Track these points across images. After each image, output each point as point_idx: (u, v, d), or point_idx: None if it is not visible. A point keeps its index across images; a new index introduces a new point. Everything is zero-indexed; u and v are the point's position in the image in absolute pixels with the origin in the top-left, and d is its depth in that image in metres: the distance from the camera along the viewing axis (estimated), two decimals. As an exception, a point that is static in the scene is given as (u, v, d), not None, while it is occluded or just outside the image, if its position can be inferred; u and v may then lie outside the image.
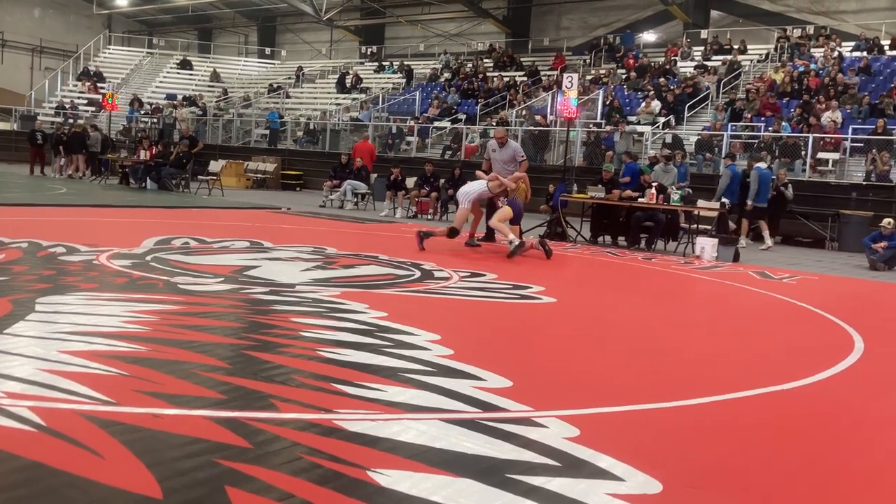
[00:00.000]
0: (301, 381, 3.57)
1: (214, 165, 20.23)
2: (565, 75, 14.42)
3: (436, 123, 24.18)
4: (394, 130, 24.39)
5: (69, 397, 3.10)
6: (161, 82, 35.61)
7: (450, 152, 22.13)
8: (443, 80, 28.83)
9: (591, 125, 20.79)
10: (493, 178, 10.14)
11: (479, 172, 10.79)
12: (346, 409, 3.19)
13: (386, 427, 3.03)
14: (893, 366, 4.98)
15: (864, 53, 22.19)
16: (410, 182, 16.30)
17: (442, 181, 15.93)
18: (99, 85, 33.02)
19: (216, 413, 3.05)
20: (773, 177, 13.99)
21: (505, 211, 9.77)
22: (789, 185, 14.45)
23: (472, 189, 10.23)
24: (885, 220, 11.59)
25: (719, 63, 23.80)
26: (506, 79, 26.82)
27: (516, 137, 20.64)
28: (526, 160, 11.15)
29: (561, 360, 4.51)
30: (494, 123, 22.42)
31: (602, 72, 25.70)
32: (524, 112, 22.74)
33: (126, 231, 9.59)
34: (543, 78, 26.42)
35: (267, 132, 27.05)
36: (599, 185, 13.04)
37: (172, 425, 2.89)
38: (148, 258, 7.10)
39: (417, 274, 7.38)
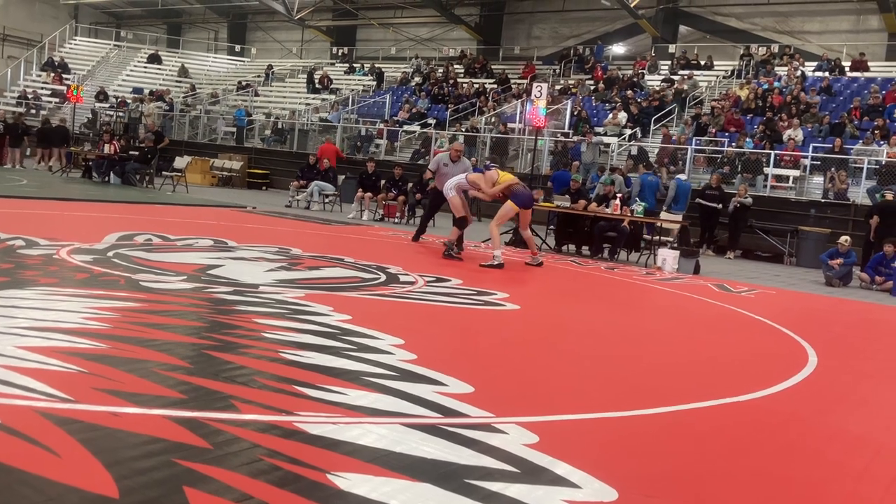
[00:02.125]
0: (262, 382, 3.56)
1: (180, 162, 20.00)
2: (535, 84, 14.59)
3: (405, 127, 24.20)
4: (363, 133, 24.35)
5: (25, 394, 3.06)
6: (128, 76, 35.09)
7: (422, 158, 22.17)
8: (413, 84, 28.86)
9: (558, 134, 20.99)
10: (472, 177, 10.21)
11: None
12: (307, 412, 3.19)
13: (346, 430, 3.03)
14: (844, 379, 5.12)
15: (826, 74, 22.74)
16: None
17: (410, 185, 15.96)
18: (64, 76, 32.43)
19: (175, 413, 3.03)
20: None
21: (506, 210, 9.66)
22: (749, 199, 14.79)
23: (453, 181, 10.23)
24: (842, 238, 11.89)
25: (685, 77, 24.21)
26: (476, 85, 26.94)
27: (484, 144, 20.78)
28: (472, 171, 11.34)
29: (523, 366, 4.56)
30: (464, 129, 22.55)
31: (571, 82, 25.96)
32: (493, 119, 22.88)
33: (88, 225, 9.45)
34: (513, 86, 26.60)
35: (234, 130, 26.82)
36: (566, 195, 13.19)
37: (131, 424, 2.87)
38: (110, 254, 7.01)
39: (383, 277, 7.38)
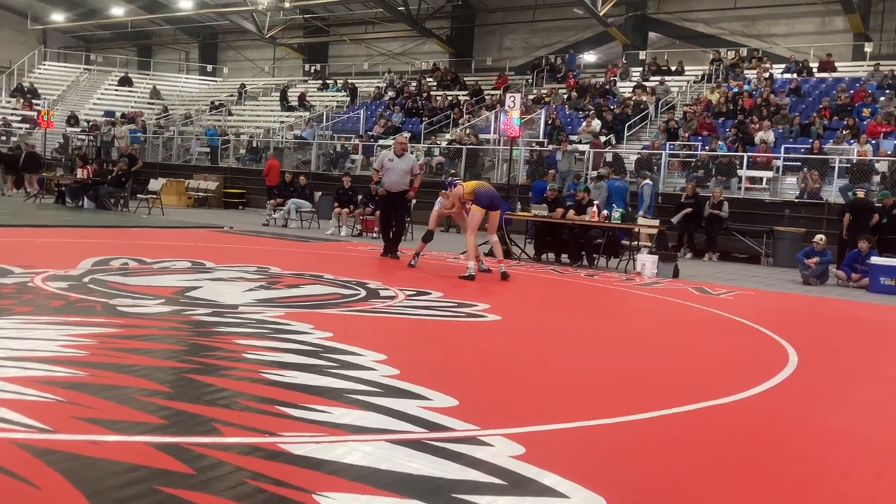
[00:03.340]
0: (244, 404, 3.52)
1: (154, 184, 19.85)
2: (508, 95, 14.68)
3: (381, 142, 24.21)
4: (338, 149, 24.33)
5: (2, 425, 3.00)
6: (99, 99, 34.87)
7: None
8: (387, 98, 28.91)
9: (533, 144, 21.10)
10: (444, 194, 10.29)
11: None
12: (291, 432, 3.16)
13: (331, 449, 3.01)
14: (825, 378, 5.16)
15: (795, 75, 23.10)
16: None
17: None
18: (34, 101, 32.14)
19: (157, 438, 2.99)
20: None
21: (473, 216, 9.53)
22: (724, 202, 14.94)
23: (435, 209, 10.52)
24: (817, 237, 12.03)
25: (657, 83, 24.45)
26: (450, 98, 27.03)
27: (460, 153, 20.85)
28: (420, 175, 11.47)
29: (506, 377, 4.55)
30: (447, 141, 22.64)
31: (544, 91, 26.14)
32: (468, 131, 22.96)
33: (62, 252, 9.34)
34: (487, 97, 26.72)
35: (208, 150, 26.69)
36: (543, 204, 13.25)
37: (112, 452, 2.82)
38: (85, 280, 6.92)
39: (363, 293, 7.36)
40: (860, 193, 13.89)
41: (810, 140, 17.52)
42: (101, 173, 18.07)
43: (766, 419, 3.98)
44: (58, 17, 38.74)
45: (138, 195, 18.29)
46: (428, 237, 10.29)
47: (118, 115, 31.41)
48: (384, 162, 10.98)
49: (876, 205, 13.48)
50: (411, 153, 11.33)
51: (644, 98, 22.37)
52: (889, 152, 16.57)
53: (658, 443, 3.47)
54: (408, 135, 22.27)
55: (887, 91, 20.30)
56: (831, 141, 17.70)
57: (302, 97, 30.86)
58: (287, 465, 2.81)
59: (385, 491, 2.65)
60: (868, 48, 24.82)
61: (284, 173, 19.07)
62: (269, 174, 19.83)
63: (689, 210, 14.88)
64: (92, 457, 2.77)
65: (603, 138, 20.54)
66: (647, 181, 14.76)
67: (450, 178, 11.72)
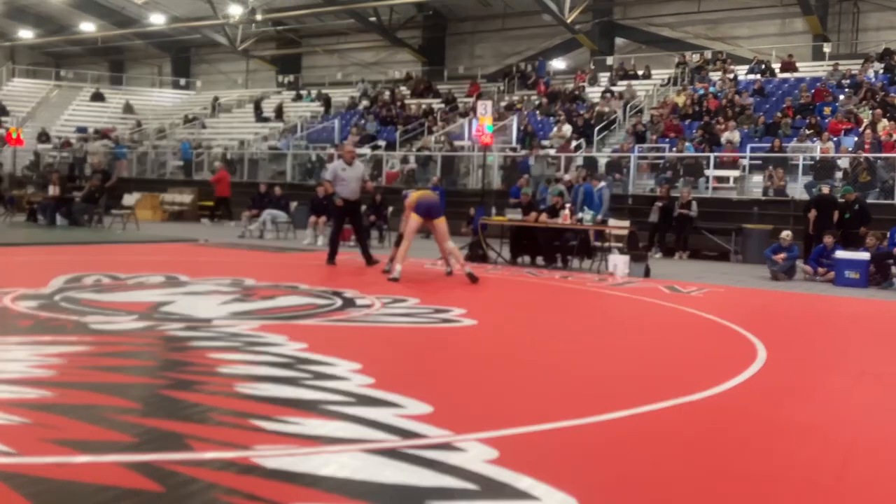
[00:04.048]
0: (218, 418, 3.51)
1: (129, 199, 19.68)
2: (480, 102, 14.75)
3: (356, 151, 24.18)
4: (314, 158, 24.29)
5: (-30, 449, 2.97)
6: (71, 115, 34.54)
7: (375, 180, 22.18)
8: (361, 107, 28.92)
9: (507, 150, 21.21)
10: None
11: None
12: (265, 445, 3.16)
13: (306, 461, 3.01)
14: (793, 373, 5.24)
15: (758, 76, 23.45)
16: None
17: (364, 208, 15.93)
18: (2, 119, 31.76)
19: (128, 457, 2.97)
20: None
21: (411, 223, 9.77)
22: (693, 203, 15.12)
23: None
24: (784, 233, 12.21)
25: (624, 88, 24.69)
26: (423, 106, 27.10)
27: (435, 162, 20.91)
28: (369, 181, 11.84)
29: (481, 381, 4.58)
30: (415, 150, 22.69)
31: (515, 98, 26.29)
32: (442, 138, 23.03)
33: (33, 270, 9.23)
34: (460, 104, 26.83)
35: (182, 163, 26.53)
36: (517, 208, 13.33)
37: (81, 473, 2.80)
38: (57, 297, 6.86)
39: (339, 302, 7.36)
40: (825, 190, 14.11)
41: (779, 139, 17.78)
42: (66, 189, 17.81)
43: (736, 415, 4.04)
44: (26, 34, 38.35)
45: (112, 210, 18.14)
46: (399, 241, 10.31)
47: (91, 130, 31.13)
48: (338, 172, 11.01)
49: (839, 200, 13.71)
50: (360, 161, 11.64)
51: (606, 109, 22.44)
52: (850, 149, 16.87)
53: (630, 442, 3.50)
54: (354, 140, 22.79)
55: (846, 90, 20.67)
56: (794, 139, 17.98)
57: (279, 109, 30.80)
58: (261, 479, 2.81)
59: (360, 500, 2.66)
60: (827, 49, 25.31)
61: (258, 184, 19.05)
62: (218, 184, 20.21)
63: (661, 206, 15.02)
64: (60, 479, 2.74)
65: (574, 143, 20.70)
66: (603, 184, 14.93)
67: (405, 192, 11.75)
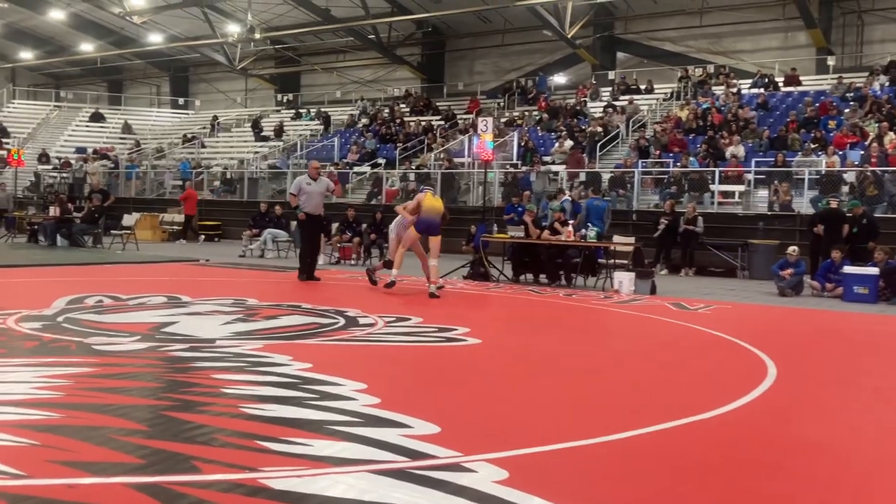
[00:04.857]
0: (224, 440, 3.47)
1: (128, 219, 19.68)
2: (480, 119, 14.76)
3: (356, 168, 24.23)
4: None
5: (-25, 473, 2.94)
6: (70, 136, 34.64)
7: (375, 198, 22.22)
8: (361, 125, 29.00)
9: (507, 166, 21.22)
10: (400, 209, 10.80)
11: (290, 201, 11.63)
12: (272, 467, 3.12)
13: (313, 483, 2.97)
14: (805, 390, 5.20)
15: (762, 90, 23.48)
16: (334, 227, 16.24)
17: (364, 226, 15.95)
18: (3, 140, 31.85)
19: (135, 479, 2.94)
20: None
21: (408, 235, 10.22)
22: (699, 218, 15.08)
23: (393, 225, 10.87)
24: (791, 248, 12.17)
25: (626, 102, 24.74)
26: (423, 123, 27.17)
27: (436, 179, 20.94)
28: (337, 187, 12.54)
29: (488, 401, 4.53)
30: (415, 167, 22.73)
31: (516, 114, 26.35)
32: (442, 155, 23.07)
33: (36, 291, 9.20)
34: (460, 121, 26.89)
35: (181, 183, 26.56)
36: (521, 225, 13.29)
37: (88, 495, 2.77)
38: (59, 319, 6.82)
39: (342, 322, 7.32)
40: (833, 204, 14.02)
41: (781, 153, 17.78)
42: (66, 210, 17.82)
43: (749, 433, 3.99)
44: (26, 55, 38.53)
45: (112, 231, 18.12)
46: (389, 264, 10.57)
47: (90, 151, 31.21)
48: (302, 186, 11.38)
49: (847, 214, 13.65)
50: (324, 176, 12.32)
51: (599, 128, 22.37)
52: (856, 163, 16.86)
53: (641, 461, 3.46)
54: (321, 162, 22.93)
55: (851, 103, 20.70)
56: (799, 154, 17.98)
57: (279, 129, 30.90)
58: (268, 501, 2.77)
59: (369, 523, 2.62)
60: (831, 62, 25.34)
61: (259, 203, 19.09)
62: (186, 202, 20.92)
63: (667, 222, 15.01)
64: (68, 501, 2.71)
65: (584, 155, 20.72)
66: (594, 198, 14.97)
67: (422, 187, 11.88)
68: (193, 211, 21.52)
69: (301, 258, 11.67)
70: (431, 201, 10.33)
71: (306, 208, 11.25)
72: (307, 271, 11.39)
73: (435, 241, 10.21)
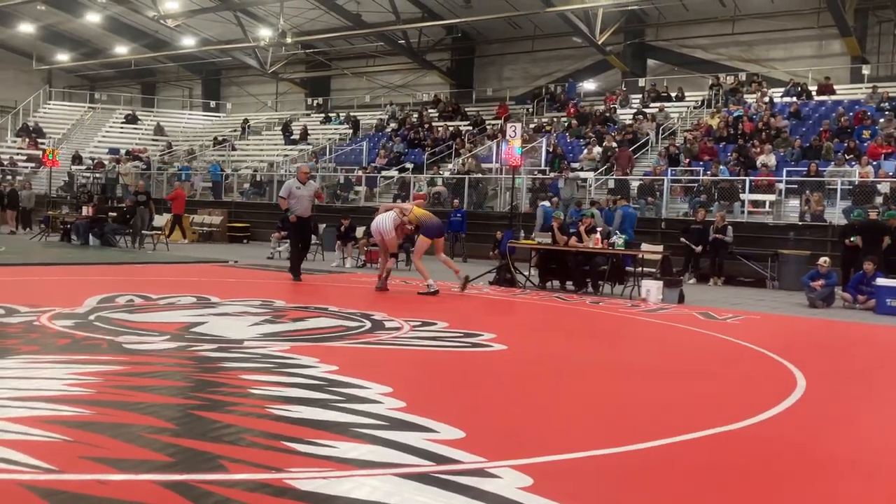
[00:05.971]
0: (251, 440, 3.51)
1: (159, 220, 19.93)
2: (509, 125, 14.74)
3: (383, 173, 24.34)
4: (342, 180, 24.48)
5: (8, 466, 3.00)
6: (104, 137, 35.19)
7: (399, 200, 22.29)
8: (389, 129, 29.12)
9: (535, 172, 21.18)
10: (393, 207, 11.32)
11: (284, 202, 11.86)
12: (298, 468, 3.15)
13: (338, 484, 2.99)
14: (834, 403, 5.13)
15: (794, 99, 23.19)
16: (360, 231, 16.33)
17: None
18: (39, 141, 32.45)
19: (164, 477, 2.98)
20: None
21: (420, 244, 10.92)
22: (728, 227, 14.92)
23: (381, 221, 10.97)
24: (822, 259, 11.99)
25: (656, 110, 24.58)
26: (451, 128, 27.21)
27: (462, 185, 20.96)
28: (321, 192, 13.02)
29: (513, 408, 4.53)
30: (451, 171, 22.79)
31: (545, 120, 26.30)
32: (470, 160, 23.09)
33: (68, 290, 9.36)
34: (488, 127, 26.90)
35: (211, 185, 26.88)
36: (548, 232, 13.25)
37: (118, 491, 2.81)
38: (91, 317, 6.94)
39: (368, 325, 7.35)
40: (872, 215, 13.73)
41: (814, 163, 17.54)
42: (103, 210, 18.16)
43: (776, 446, 3.94)
44: (62, 57, 39.24)
45: (143, 231, 18.37)
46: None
47: (122, 152, 31.68)
48: (292, 190, 11.73)
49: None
50: (314, 181, 12.85)
51: (615, 144, 22.19)
52: (890, 173, 16.58)
53: (666, 472, 3.44)
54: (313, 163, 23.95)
55: (886, 112, 20.38)
56: (832, 164, 17.73)
57: (304, 132, 31.15)
58: (294, 502, 2.80)
59: (393, 526, 2.63)
60: (866, 71, 24.95)
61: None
62: (174, 202, 20.99)
63: (697, 227, 14.88)
64: (99, 496, 2.76)
65: (602, 166, 20.63)
66: (628, 206, 14.85)
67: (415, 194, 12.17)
68: (181, 210, 21.55)
69: (292, 259, 11.97)
70: (422, 210, 11.22)
71: (297, 211, 11.62)
72: (296, 271, 11.71)
73: (439, 242, 11.23)
